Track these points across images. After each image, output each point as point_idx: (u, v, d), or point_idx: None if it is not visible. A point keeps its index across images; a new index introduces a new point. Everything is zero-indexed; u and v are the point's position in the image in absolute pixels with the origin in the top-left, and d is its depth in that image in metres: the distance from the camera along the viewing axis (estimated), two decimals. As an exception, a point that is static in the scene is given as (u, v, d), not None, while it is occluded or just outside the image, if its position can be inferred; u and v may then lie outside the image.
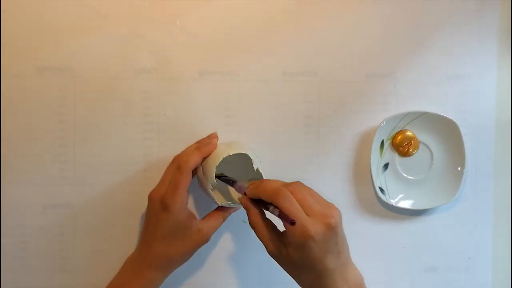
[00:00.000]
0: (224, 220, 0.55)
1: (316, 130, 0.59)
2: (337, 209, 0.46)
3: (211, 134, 0.57)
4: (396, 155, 0.60)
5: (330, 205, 0.46)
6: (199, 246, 0.53)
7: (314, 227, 0.42)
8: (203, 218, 0.54)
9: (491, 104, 0.61)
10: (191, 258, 0.55)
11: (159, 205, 0.51)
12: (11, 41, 0.55)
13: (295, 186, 0.45)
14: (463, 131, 0.58)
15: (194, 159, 0.52)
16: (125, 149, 0.57)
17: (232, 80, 0.58)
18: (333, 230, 0.44)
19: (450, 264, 0.61)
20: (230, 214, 0.56)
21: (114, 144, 0.57)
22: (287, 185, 0.46)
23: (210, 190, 0.52)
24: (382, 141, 0.59)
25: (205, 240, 0.53)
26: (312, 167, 0.59)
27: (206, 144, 0.54)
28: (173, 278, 0.58)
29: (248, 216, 0.48)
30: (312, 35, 0.59)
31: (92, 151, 0.57)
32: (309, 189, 0.47)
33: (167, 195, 0.51)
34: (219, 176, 0.52)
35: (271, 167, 0.58)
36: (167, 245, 0.52)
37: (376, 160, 0.59)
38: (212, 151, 0.54)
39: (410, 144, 0.59)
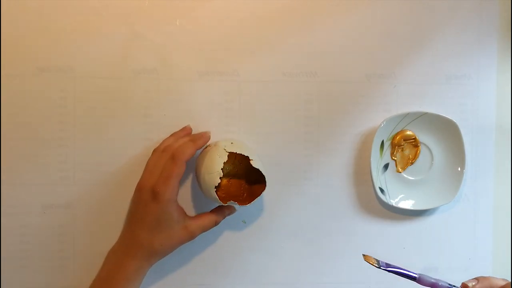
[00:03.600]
0: (216, 224, 0.55)
1: (316, 130, 0.59)
2: None
3: (203, 132, 0.56)
4: (397, 155, 0.60)
5: None
6: (182, 242, 0.53)
7: None
8: (194, 216, 0.54)
9: (491, 104, 0.61)
10: (190, 258, 0.55)
11: (149, 194, 0.51)
12: (11, 41, 0.55)
13: None
14: (463, 131, 0.58)
15: (190, 151, 0.52)
16: (125, 149, 0.57)
17: (232, 80, 0.58)
18: None
19: (450, 264, 0.61)
20: (224, 218, 0.56)
21: (114, 144, 0.57)
22: None
23: (214, 191, 0.51)
24: (382, 141, 0.59)
25: (188, 238, 0.53)
26: (312, 167, 0.59)
27: (200, 137, 0.54)
28: (172, 278, 0.58)
29: None
30: (312, 35, 0.59)
31: (92, 151, 0.57)
32: None
33: (158, 184, 0.51)
34: (389, 270, 0.49)
35: (271, 167, 0.58)
36: (152, 236, 0.51)
37: (376, 161, 0.59)
38: (206, 143, 0.54)
39: (412, 158, 0.60)
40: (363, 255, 0.49)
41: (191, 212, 0.58)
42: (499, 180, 0.62)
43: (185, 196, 0.58)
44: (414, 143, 0.60)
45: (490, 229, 0.62)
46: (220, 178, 0.51)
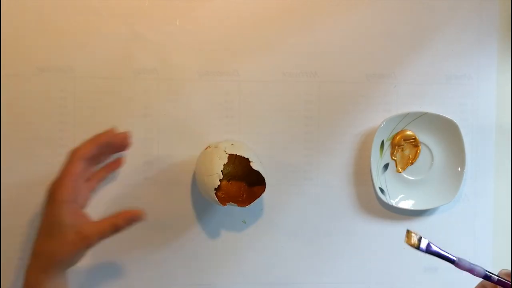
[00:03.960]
0: (116, 228, 0.47)
1: (316, 130, 0.59)
2: None
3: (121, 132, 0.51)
4: (397, 155, 0.60)
5: None
6: (78, 248, 0.46)
7: None
8: (94, 221, 0.48)
9: (491, 104, 0.61)
10: (190, 258, 0.54)
11: (46, 196, 0.47)
12: (12, 41, 0.55)
13: None
14: (463, 131, 0.58)
15: (86, 148, 0.48)
16: (125, 149, 0.57)
17: (232, 80, 0.58)
18: None
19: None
20: (129, 222, 0.47)
21: (114, 144, 0.57)
22: None
23: (213, 193, 0.51)
24: (382, 141, 0.59)
25: (84, 244, 0.46)
26: (312, 167, 0.59)
27: (104, 133, 0.50)
28: (171, 278, 0.58)
29: None
30: (312, 36, 0.59)
31: (92, 151, 0.57)
32: None
33: (53, 185, 0.47)
34: (430, 251, 0.47)
35: (271, 167, 0.58)
36: (45, 242, 0.46)
37: (376, 161, 0.59)
38: (110, 139, 0.50)
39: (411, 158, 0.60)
40: (408, 230, 0.47)
41: (190, 213, 0.58)
42: (499, 180, 0.62)
43: (185, 197, 0.58)
44: (414, 143, 0.60)
45: (490, 229, 0.62)
46: (220, 179, 0.51)
